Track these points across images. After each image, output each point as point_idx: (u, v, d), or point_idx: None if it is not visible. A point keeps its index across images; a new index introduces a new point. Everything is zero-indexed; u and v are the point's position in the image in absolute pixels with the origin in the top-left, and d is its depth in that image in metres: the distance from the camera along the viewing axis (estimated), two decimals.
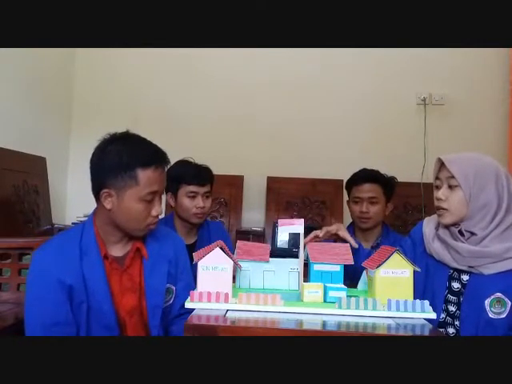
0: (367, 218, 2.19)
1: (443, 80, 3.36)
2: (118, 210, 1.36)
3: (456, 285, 1.46)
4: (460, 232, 1.44)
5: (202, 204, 2.07)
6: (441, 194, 1.45)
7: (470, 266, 1.42)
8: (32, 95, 2.96)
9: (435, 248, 1.49)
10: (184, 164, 2.13)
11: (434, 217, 1.57)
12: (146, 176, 1.35)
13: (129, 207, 1.35)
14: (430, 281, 1.50)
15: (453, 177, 1.42)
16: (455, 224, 1.45)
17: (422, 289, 1.48)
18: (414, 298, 1.20)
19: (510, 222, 1.41)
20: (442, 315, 1.46)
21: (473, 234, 1.43)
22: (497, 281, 1.38)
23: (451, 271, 1.47)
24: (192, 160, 2.14)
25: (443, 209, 1.45)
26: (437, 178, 1.49)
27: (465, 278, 1.44)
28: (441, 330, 1.44)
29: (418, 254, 1.56)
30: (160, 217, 1.46)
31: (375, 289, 1.22)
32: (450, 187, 1.44)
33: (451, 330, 1.44)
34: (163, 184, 1.42)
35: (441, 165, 1.47)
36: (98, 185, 1.37)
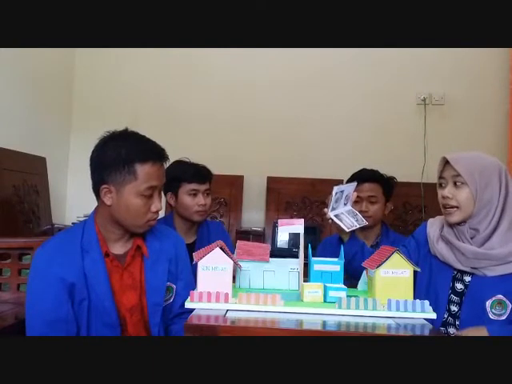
0: (367, 216, 2.19)
1: (443, 80, 3.36)
2: (117, 205, 1.37)
3: (459, 285, 1.46)
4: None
5: (204, 201, 2.09)
6: (447, 192, 1.45)
7: (473, 268, 1.42)
8: (32, 95, 2.96)
9: (439, 249, 1.49)
10: (182, 163, 2.14)
11: (438, 218, 1.58)
12: (144, 171, 1.36)
13: (128, 203, 1.36)
14: (433, 281, 1.50)
15: (458, 175, 1.43)
16: (462, 222, 1.46)
17: (425, 289, 1.49)
18: (417, 297, 1.20)
19: (508, 223, 1.43)
20: (445, 315, 1.46)
21: (477, 231, 1.44)
22: (499, 283, 1.39)
23: (455, 272, 1.48)
24: (188, 160, 2.16)
25: (451, 207, 1.45)
26: (441, 177, 1.50)
27: (467, 279, 1.45)
28: (442, 329, 1.45)
29: (422, 254, 1.57)
30: (159, 216, 1.46)
31: (375, 289, 1.22)
32: (456, 185, 1.45)
33: (452, 330, 1.44)
34: (162, 179, 1.42)
35: (445, 164, 1.48)
36: (98, 181, 1.38)
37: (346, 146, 3.38)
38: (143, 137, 1.44)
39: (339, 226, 1.60)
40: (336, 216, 1.60)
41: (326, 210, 1.61)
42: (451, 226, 1.50)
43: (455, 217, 1.45)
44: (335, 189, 1.56)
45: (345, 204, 1.61)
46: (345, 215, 1.61)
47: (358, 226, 1.62)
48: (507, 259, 1.39)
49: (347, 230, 1.59)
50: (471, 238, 1.44)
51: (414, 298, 1.21)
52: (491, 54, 3.23)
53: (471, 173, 1.42)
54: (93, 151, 1.41)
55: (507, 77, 3.19)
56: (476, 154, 1.49)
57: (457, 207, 1.44)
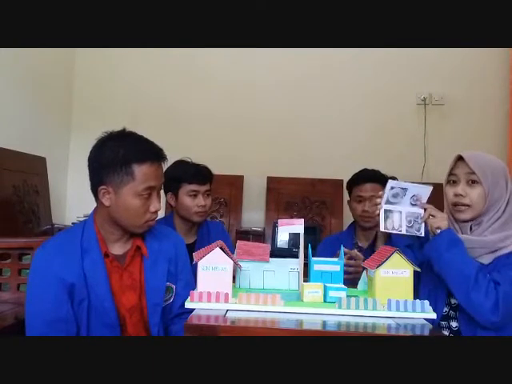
0: (369, 216, 2.21)
1: (443, 80, 3.36)
2: (116, 206, 1.37)
3: None
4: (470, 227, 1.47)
5: (204, 202, 2.08)
6: (461, 190, 1.46)
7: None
8: (32, 95, 2.96)
9: None
10: (183, 164, 2.14)
11: None
12: (142, 171, 1.36)
13: (126, 203, 1.36)
14: (434, 276, 1.50)
15: (473, 173, 1.44)
16: (472, 220, 1.47)
17: (432, 285, 1.48)
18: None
19: (508, 215, 1.45)
20: (446, 309, 1.47)
21: (479, 225, 1.46)
22: (491, 269, 1.40)
23: None
24: (190, 160, 2.15)
25: (464, 205, 1.46)
26: (452, 173, 1.50)
27: None
28: (443, 323, 1.46)
29: None
30: (159, 216, 1.46)
31: (375, 289, 1.22)
32: (469, 183, 1.46)
33: (454, 324, 1.45)
34: (160, 179, 1.42)
35: (457, 161, 1.49)
36: (96, 182, 1.38)
37: (346, 146, 3.37)
38: (141, 137, 1.43)
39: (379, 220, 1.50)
40: (387, 210, 1.50)
41: (379, 200, 1.52)
42: (454, 221, 1.50)
43: (466, 215, 1.46)
44: (391, 183, 1.49)
45: (412, 204, 1.48)
46: (402, 216, 1.49)
47: (403, 233, 1.48)
48: (498, 245, 1.41)
49: (381, 229, 1.51)
50: (471, 232, 1.46)
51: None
52: (491, 54, 3.23)
53: (484, 172, 1.44)
54: (90, 152, 1.41)
55: (507, 77, 3.19)
56: (488, 155, 1.50)
57: (468, 205, 1.45)
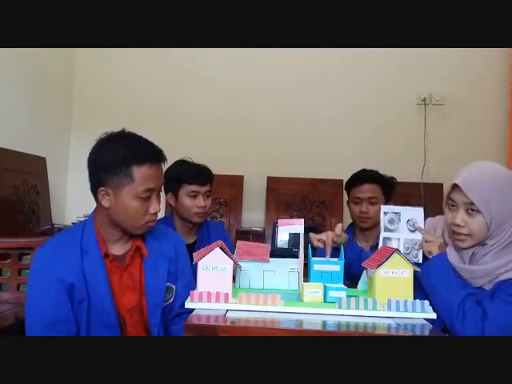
0: (367, 217, 2.21)
1: (443, 80, 3.36)
2: (115, 208, 1.37)
3: None
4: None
5: (204, 203, 2.08)
6: (460, 220, 1.37)
7: (478, 288, 1.40)
8: (32, 95, 2.96)
9: None
10: (184, 164, 2.13)
11: (439, 222, 1.53)
12: (141, 173, 1.35)
13: (126, 205, 1.36)
14: None
15: (472, 203, 1.34)
16: (474, 246, 1.40)
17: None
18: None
19: (509, 239, 1.38)
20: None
21: (484, 246, 1.40)
22: (490, 293, 1.37)
23: None
24: (190, 160, 2.15)
25: (463, 234, 1.38)
26: (450, 198, 1.41)
27: None
28: None
29: None
30: (159, 216, 1.46)
31: (375, 289, 1.22)
32: (469, 213, 1.36)
33: None
34: (160, 181, 1.42)
35: (454, 186, 1.39)
36: (96, 183, 1.38)
37: (346, 146, 3.37)
38: (140, 138, 1.43)
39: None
40: (386, 238, 1.49)
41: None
42: (455, 247, 1.44)
43: (466, 243, 1.39)
44: (384, 208, 1.49)
45: (411, 231, 1.48)
46: (400, 243, 1.47)
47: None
48: (497, 273, 1.36)
49: None
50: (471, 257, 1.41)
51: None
52: (491, 54, 3.23)
53: (487, 201, 1.33)
54: (90, 153, 1.41)
55: (507, 77, 3.19)
56: (488, 169, 1.39)
57: (468, 235, 1.38)
